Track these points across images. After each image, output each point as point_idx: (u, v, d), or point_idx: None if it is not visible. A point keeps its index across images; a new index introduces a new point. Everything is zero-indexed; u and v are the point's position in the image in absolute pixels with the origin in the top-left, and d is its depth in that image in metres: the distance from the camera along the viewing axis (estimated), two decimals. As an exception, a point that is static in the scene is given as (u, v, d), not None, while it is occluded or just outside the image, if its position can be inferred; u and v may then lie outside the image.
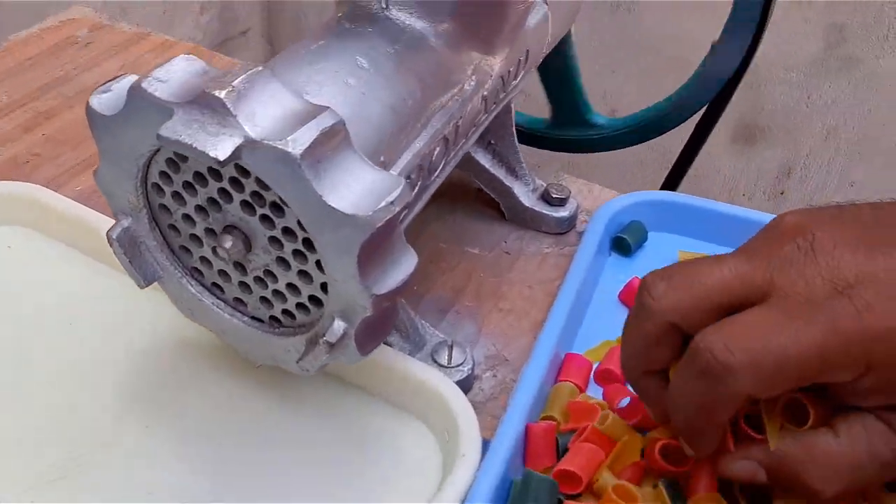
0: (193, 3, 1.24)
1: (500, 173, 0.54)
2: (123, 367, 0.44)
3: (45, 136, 0.61)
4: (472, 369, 0.44)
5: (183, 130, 0.31)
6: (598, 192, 0.58)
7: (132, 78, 0.35)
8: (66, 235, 0.51)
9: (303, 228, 0.33)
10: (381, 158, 0.37)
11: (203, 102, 0.31)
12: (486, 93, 0.44)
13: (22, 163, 0.58)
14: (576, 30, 0.57)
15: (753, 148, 1.09)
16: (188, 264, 0.39)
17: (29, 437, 0.40)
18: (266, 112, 0.31)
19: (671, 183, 0.65)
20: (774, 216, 0.49)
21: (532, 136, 0.64)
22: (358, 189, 0.32)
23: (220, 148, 0.30)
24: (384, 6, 0.40)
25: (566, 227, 0.55)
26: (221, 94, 0.31)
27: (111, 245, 0.38)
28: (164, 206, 0.37)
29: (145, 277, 0.39)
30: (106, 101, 0.35)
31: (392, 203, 0.31)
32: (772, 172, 1.10)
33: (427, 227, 0.54)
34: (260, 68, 0.32)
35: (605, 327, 0.47)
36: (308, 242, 0.34)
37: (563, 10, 0.52)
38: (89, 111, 0.35)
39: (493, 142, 0.54)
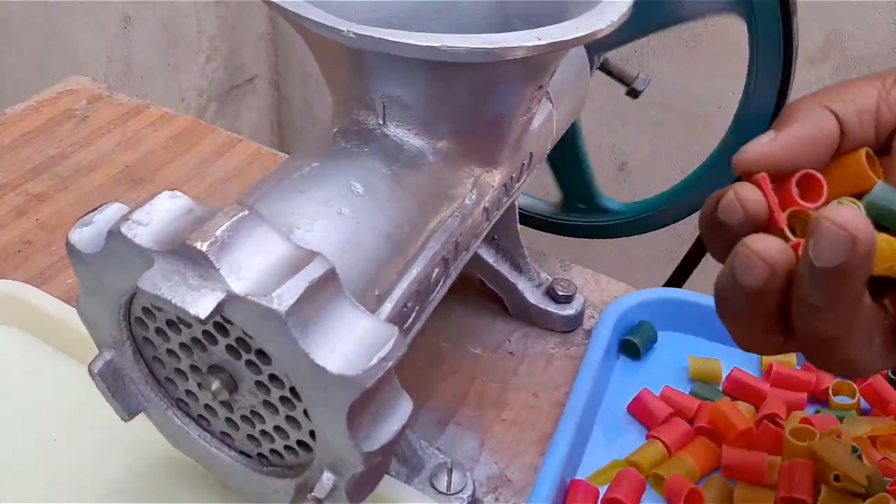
0: (199, 53, 1.23)
1: (503, 269, 0.52)
2: (112, 482, 0.42)
3: (38, 222, 0.59)
4: (473, 494, 0.42)
5: (163, 283, 0.29)
6: (605, 283, 0.56)
7: (115, 210, 0.34)
8: (52, 337, 0.49)
9: (289, 378, 0.31)
10: (376, 292, 0.35)
11: (185, 254, 0.29)
12: (487, 204, 0.42)
13: (13, 252, 0.57)
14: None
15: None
16: (173, 395, 0.37)
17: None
18: (251, 262, 0.29)
19: (680, 275, 0.63)
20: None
21: (541, 221, 0.62)
22: (348, 342, 0.30)
23: (202, 304, 0.29)
24: (382, 122, 0.38)
25: (573, 326, 0.53)
26: (204, 246, 0.29)
27: (93, 379, 0.36)
28: (148, 340, 0.36)
29: (129, 410, 0.37)
30: (86, 236, 0.33)
31: (384, 359, 0.30)
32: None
33: (427, 324, 0.52)
34: (246, 212, 0.30)
35: (612, 444, 0.45)
36: (295, 391, 0.32)
37: (568, 105, 0.50)
38: (68, 246, 0.33)
39: (496, 237, 0.52)
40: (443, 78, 0.36)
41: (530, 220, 0.63)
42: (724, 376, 0.49)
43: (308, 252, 0.30)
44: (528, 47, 0.33)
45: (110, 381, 0.36)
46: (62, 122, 0.69)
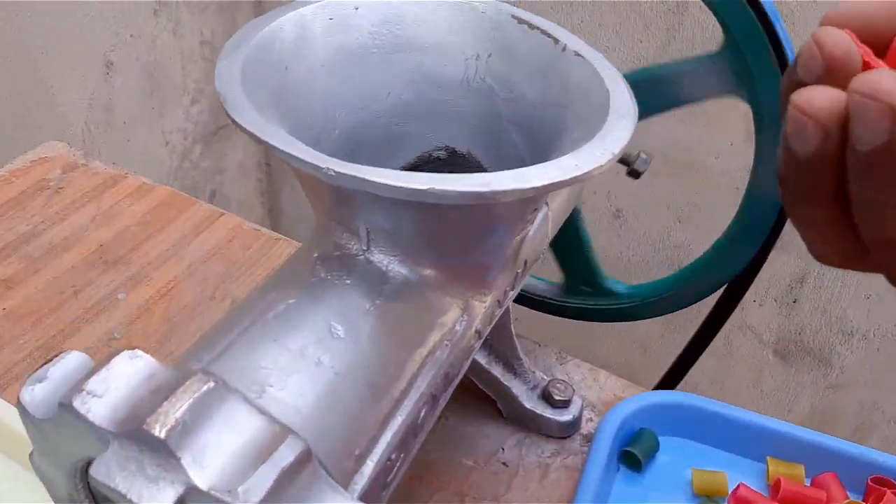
0: (184, 96, 1.20)
1: (497, 371, 0.50)
2: None
3: (6, 311, 0.56)
4: None
5: (118, 473, 0.26)
6: (603, 380, 0.53)
7: (73, 362, 0.31)
8: (20, 454, 0.46)
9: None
10: (356, 452, 0.32)
11: (142, 439, 0.26)
12: (479, 327, 0.39)
13: (-22, 345, 0.54)
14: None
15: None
16: (138, 550, 0.34)
17: None
18: (217, 446, 0.26)
19: (675, 375, 0.60)
20: (807, 430, 0.44)
21: (543, 303, 0.59)
22: (325, 530, 0.27)
23: (159, 500, 0.26)
24: (365, 248, 0.35)
25: (570, 432, 0.50)
26: (163, 432, 0.26)
27: (47, 540, 0.33)
28: (108, 499, 0.32)
29: (88, 568, 0.34)
30: (39, 396, 0.30)
31: (365, 550, 0.27)
32: (784, 279, 1.05)
33: (417, 429, 0.49)
34: (211, 385, 0.27)
35: (614, 575, 0.42)
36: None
37: (564, 199, 0.47)
38: (19, 405, 0.30)
39: (489, 338, 0.49)
40: (430, 216, 0.33)
41: (535, 302, 0.59)
42: (729, 490, 0.46)
43: (280, 429, 0.27)
44: (524, 190, 0.30)
45: (68, 541, 0.33)
46: (34, 195, 0.66)
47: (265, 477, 0.26)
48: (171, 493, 0.26)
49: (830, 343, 1.07)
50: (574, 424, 0.50)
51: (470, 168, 0.44)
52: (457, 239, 0.35)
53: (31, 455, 0.33)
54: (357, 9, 0.40)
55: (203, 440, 0.26)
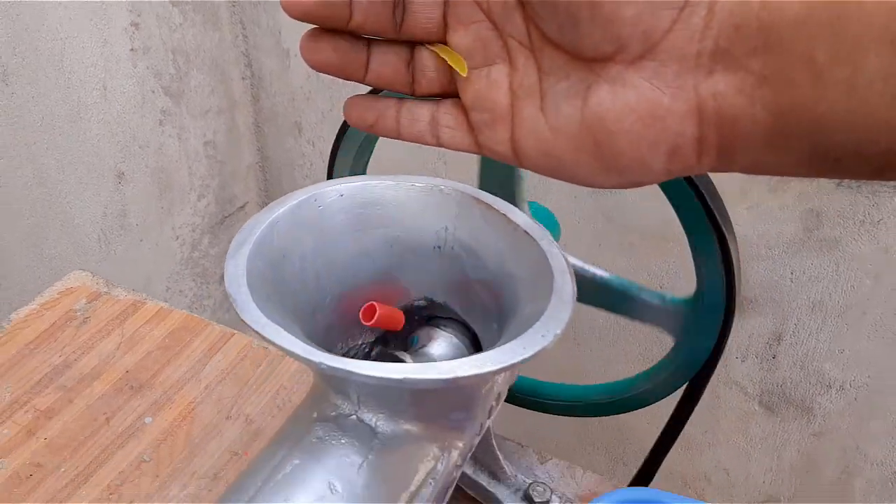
0: (191, 192, 1.28)
1: (482, 479, 0.56)
2: None
3: (48, 441, 0.63)
4: None
5: None
6: (580, 476, 0.60)
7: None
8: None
9: None
10: (357, 592, 0.39)
11: None
12: (458, 461, 0.46)
13: (25, 477, 0.60)
14: (561, 210, 0.59)
15: (743, 316, 1.11)
16: None
17: None
18: None
19: (647, 471, 0.67)
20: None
21: (521, 400, 0.66)
22: None
23: None
24: (357, 408, 0.42)
25: (550, 529, 0.56)
26: None
27: None
28: None
29: None
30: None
31: None
32: (763, 338, 1.12)
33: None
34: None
35: None
36: None
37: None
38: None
39: (474, 452, 0.56)
40: (410, 393, 0.40)
41: (511, 398, 0.67)
42: (693, 575, 0.53)
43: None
44: (482, 374, 0.37)
45: None
46: (64, 327, 0.73)
47: None
48: None
49: (811, 394, 1.14)
50: (553, 523, 0.56)
51: (446, 312, 0.51)
52: (433, 404, 0.42)
53: None
54: (342, 195, 0.47)
55: None
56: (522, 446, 0.62)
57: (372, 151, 0.67)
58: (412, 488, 0.43)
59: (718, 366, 1.14)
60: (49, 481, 0.60)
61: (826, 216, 0.98)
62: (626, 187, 0.35)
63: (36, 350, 0.71)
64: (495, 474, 0.57)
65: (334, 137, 0.68)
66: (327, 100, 1.29)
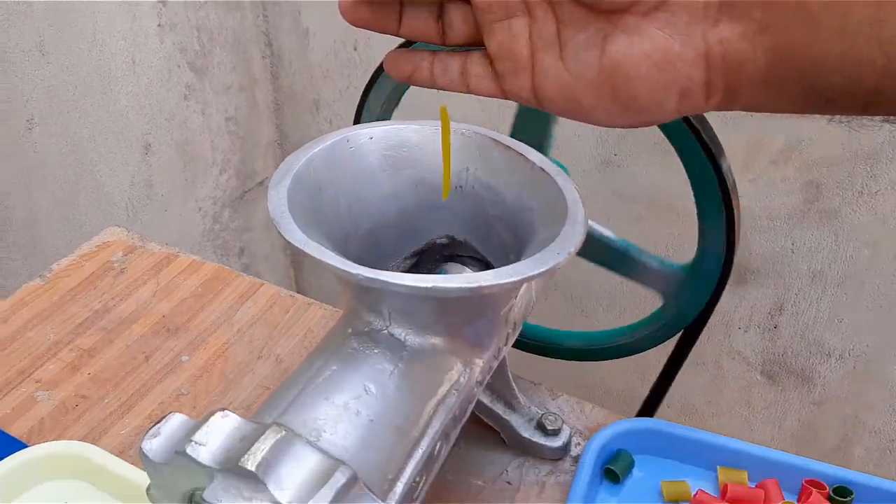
0: (213, 167, 1.32)
1: (498, 408, 0.61)
2: None
3: (91, 376, 0.68)
4: None
5: (223, 495, 0.38)
6: (589, 411, 0.65)
7: (177, 422, 0.42)
8: (115, 490, 0.57)
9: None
10: (389, 477, 0.43)
11: (239, 472, 0.38)
12: (479, 377, 0.50)
13: (71, 407, 0.65)
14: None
15: (745, 286, 1.15)
16: (228, 560, 0.45)
17: None
18: (291, 476, 0.38)
19: (652, 403, 0.71)
20: (751, 444, 0.55)
21: (533, 346, 0.71)
22: (369, 533, 0.38)
23: (255, 515, 0.37)
24: (387, 324, 0.47)
25: (561, 455, 0.61)
26: (253, 466, 0.37)
27: (162, 553, 0.44)
28: (206, 521, 0.44)
29: (192, 575, 0.45)
30: (156, 447, 0.41)
31: (399, 546, 0.38)
32: (764, 308, 1.16)
33: (435, 459, 0.60)
34: (283, 433, 0.39)
35: (596, 568, 0.53)
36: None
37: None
38: (142, 455, 0.42)
39: (490, 381, 0.60)
40: (436, 303, 0.44)
41: (523, 345, 0.71)
42: (692, 494, 0.57)
43: (334, 462, 0.38)
44: (502, 284, 0.41)
45: (177, 554, 0.44)
46: (102, 276, 0.77)
47: (326, 494, 0.37)
48: (262, 510, 0.37)
49: (811, 363, 1.18)
50: (564, 449, 0.61)
51: (466, 250, 0.55)
52: (456, 317, 0.46)
53: (147, 489, 0.44)
54: (371, 138, 0.52)
55: (281, 471, 0.38)
56: (535, 384, 0.66)
57: (398, 102, 0.71)
58: (438, 396, 0.47)
59: (721, 336, 1.19)
60: (94, 411, 0.65)
61: (826, 187, 1.02)
62: (639, 126, 0.40)
63: (77, 297, 0.75)
64: (510, 404, 0.61)
65: (355, 108, 0.72)
66: (344, 78, 1.33)
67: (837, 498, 0.55)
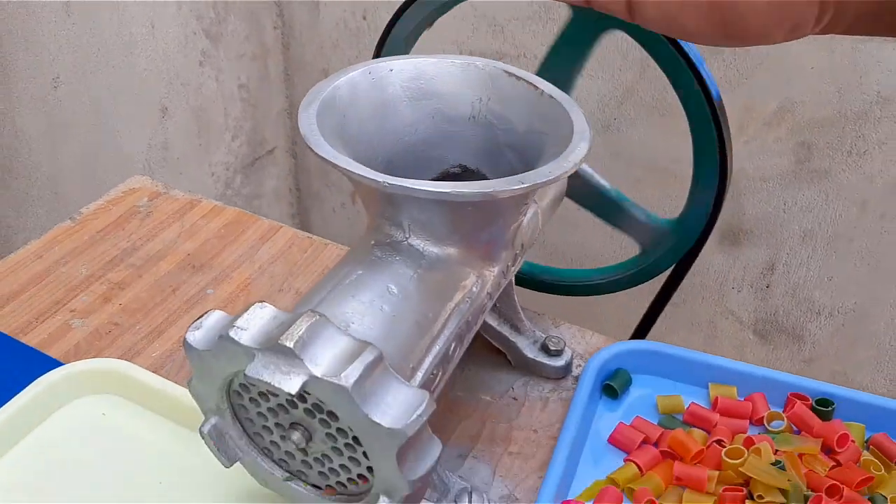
0: (226, 133, 1.36)
1: (505, 330, 0.65)
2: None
3: (122, 306, 0.72)
4: (488, 512, 0.54)
5: (263, 371, 0.42)
6: (589, 337, 0.69)
7: (217, 316, 0.47)
8: (150, 403, 0.62)
9: (352, 430, 0.44)
10: (410, 366, 0.48)
11: (277, 349, 0.42)
12: (489, 290, 0.55)
13: (104, 333, 0.70)
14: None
15: (739, 247, 1.20)
16: (261, 446, 0.50)
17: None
18: (324, 353, 0.42)
19: (643, 327, 0.76)
20: (740, 362, 0.60)
21: (534, 282, 0.75)
22: (394, 405, 0.43)
23: (292, 384, 0.41)
24: (407, 236, 0.51)
25: (563, 374, 0.65)
26: (291, 344, 0.42)
27: (203, 438, 0.49)
28: (242, 406, 0.48)
29: (229, 459, 0.50)
30: (199, 337, 0.46)
31: (420, 416, 0.42)
32: (757, 268, 1.21)
33: (446, 378, 0.65)
34: (317, 318, 0.43)
35: (597, 467, 0.58)
36: (357, 439, 0.44)
37: (550, 200, 0.63)
38: (186, 345, 0.46)
39: (497, 305, 0.65)
40: (453, 209, 0.49)
41: (527, 282, 0.76)
42: (685, 406, 0.62)
43: (362, 343, 0.43)
44: (514, 189, 0.46)
45: (216, 439, 0.49)
46: (130, 219, 0.82)
47: (356, 369, 0.42)
48: (298, 380, 0.41)
49: (801, 322, 1.22)
50: (566, 368, 0.65)
51: (478, 178, 0.59)
52: (471, 226, 0.51)
53: (189, 382, 0.49)
54: (391, 70, 0.56)
55: (315, 349, 0.42)
56: (539, 314, 0.71)
57: (415, 40, 0.75)
58: (453, 302, 0.52)
59: (716, 297, 1.23)
60: (126, 336, 0.69)
61: (816, 148, 1.07)
62: (736, 47, 0.41)
63: (106, 237, 0.80)
64: (517, 327, 0.65)
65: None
66: (353, 47, 1.37)
67: (820, 408, 0.60)
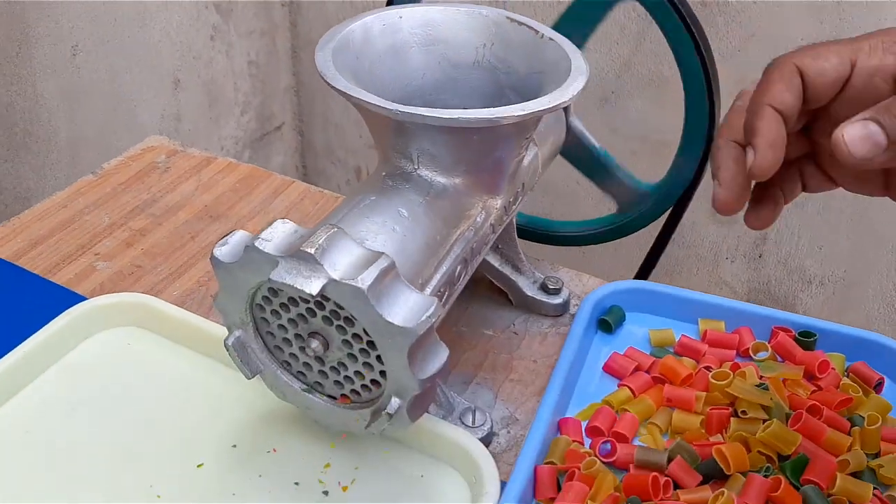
0: (235, 107, 1.40)
1: (506, 270, 0.69)
2: (227, 437, 0.58)
3: (144, 251, 0.76)
4: (491, 428, 0.58)
5: (286, 275, 0.46)
6: (586, 279, 0.73)
7: (241, 235, 0.50)
8: (172, 333, 0.66)
9: (367, 334, 0.48)
10: (420, 281, 0.51)
11: (299, 256, 0.46)
12: (492, 221, 0.59)
13: (127, 274, 0.73)
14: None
15: (733, 218, 1.24)
16: (281, 359, 0.54)
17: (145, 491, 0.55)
18: (342, 260, 0.46)
19: (647, 267, 0.80)
20: (728, 299, 0.64)
21: (533, 233, 0.79)
22: (405, 308, 0.46)
23: (313, 286, 0.45)
24: (416, 167, 0.55)
25: (561, 311, 0.69)
26: (312, 250, 0.46)
27: (227, 350, 0.53)
28: (264, 319, 0.52)
29: (251, 371, 0.54)
30: (225, 252, 0.50)
31: (429, 317, 0.46)
32: (750, 238, 1.25)
33: (451, 314, 0.69)
34: (335, 230, 0.47)
35: (592, 393, 0.62)
36: (371, 343, 0.48)
37: (549, 145, 0.67)
38: (214, 259, 0.50)
39: (500, 246, 0.69)
40: (460, 136, 0.53)
41: (527, 233, 0.80)
42: (676, 339, 0.65)
43: (377, 252, 0.47)
44: (516, 115, 0.50)
45: (239, 351, 0.53)
46: (149, 173, 0.86)
47: (371, 273, 0.45)
48: (318, 283, 0.45)
49: (793, 291, 1.26)
50: (564, 306, 0.69)
51: (481, 121, 0.63)
52: (476, 156, 0.55)
53: (215, 297, 0.53)
54: (401, 17, 0.60)
55: (334, 256, 0.46)
56: (538, 259, 0.75)
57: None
58: (459, 228, 0.56)
59: (710, 268, 1.27)
60: (148, 276, 0.73)
61: (807, 118, 1.10)
62: None
63: (127, 189, 0.84)
64: (517, 267, 0.69)
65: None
66: (360, 25, 1.41)
67: (803, 339, 0.64)
